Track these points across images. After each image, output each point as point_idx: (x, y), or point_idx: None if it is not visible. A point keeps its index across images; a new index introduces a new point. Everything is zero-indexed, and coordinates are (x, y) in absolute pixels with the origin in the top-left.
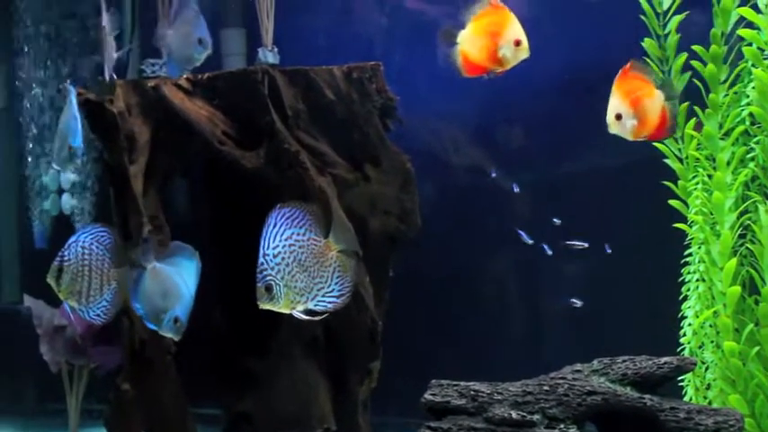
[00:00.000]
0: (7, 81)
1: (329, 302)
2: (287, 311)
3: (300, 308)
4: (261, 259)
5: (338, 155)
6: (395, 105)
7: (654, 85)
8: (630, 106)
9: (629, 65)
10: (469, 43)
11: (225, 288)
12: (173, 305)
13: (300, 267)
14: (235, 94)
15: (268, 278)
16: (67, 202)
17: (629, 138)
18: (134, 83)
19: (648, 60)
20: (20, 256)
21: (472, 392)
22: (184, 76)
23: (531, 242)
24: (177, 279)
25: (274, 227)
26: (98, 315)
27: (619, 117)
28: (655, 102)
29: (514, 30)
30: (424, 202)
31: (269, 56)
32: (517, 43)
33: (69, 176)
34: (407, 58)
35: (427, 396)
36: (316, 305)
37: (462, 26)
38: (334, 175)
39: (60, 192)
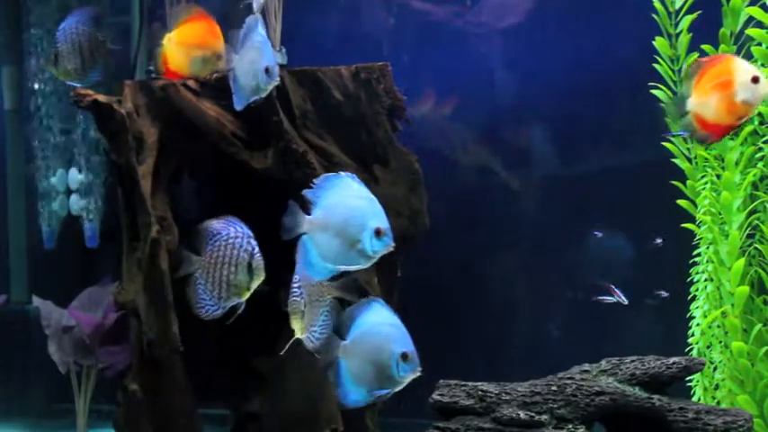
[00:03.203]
0: (17, 82)
1: (309, 341)
2: (298, 335)
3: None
4: (299, 281)
5: (346, 155)
6: (403, 105)
7: None
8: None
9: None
10: (701, 106)
11: None
12: (390, 348)
13: (314, 299)
14: None
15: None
16: (76, 202)
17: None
18: (142, 83)
19: (659, 59)
20: (28, 256)
21: (480, 393)
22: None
23: (626, 302)
24: (382, 330)
25: None
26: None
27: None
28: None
29: (745, 68)
30: (431, 202)
31: (277, 56)
32: (755, 80)
33: (78, 177)
34: (415, 58)
35: (435, 396)
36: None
37: (686, 94)
38: None
39: (69, 192)
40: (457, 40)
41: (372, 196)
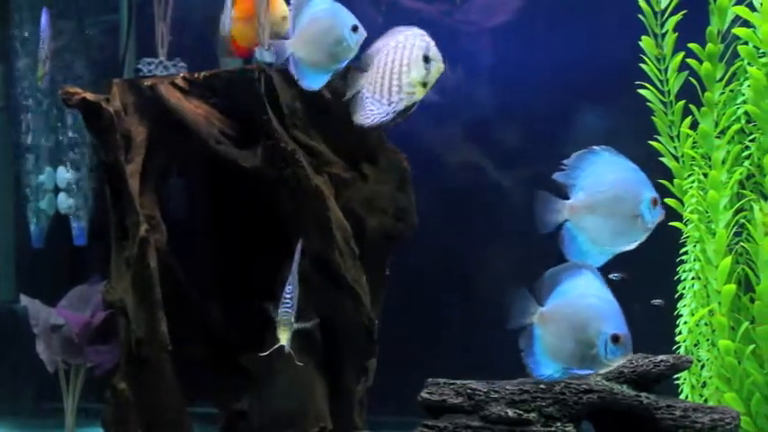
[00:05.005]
0: (5, 81)
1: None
2: (283, 341)
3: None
4: (292, 293)
5: (335, 154)
6: None
7: None
8: None
9: None
10: None
11: (221, 287)
12: (599, 327)
13: None
14: (232, 93)
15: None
16: (64, 201)
17: None
18: (130, 82)
19: (646, 59)
20: (16, 255)
21: (469, 391)
22: (181, 75)
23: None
24: (591, 303)
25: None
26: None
27: None
28: None
29: None
30: (419, 201)
31: (266, 55)
32: None
33: (65, 176)
34: None
35: (424, 394)
36: None
37: None
38: (330, 174)
39: (57, 191)
40: (446, 38)
41: (633, 164)
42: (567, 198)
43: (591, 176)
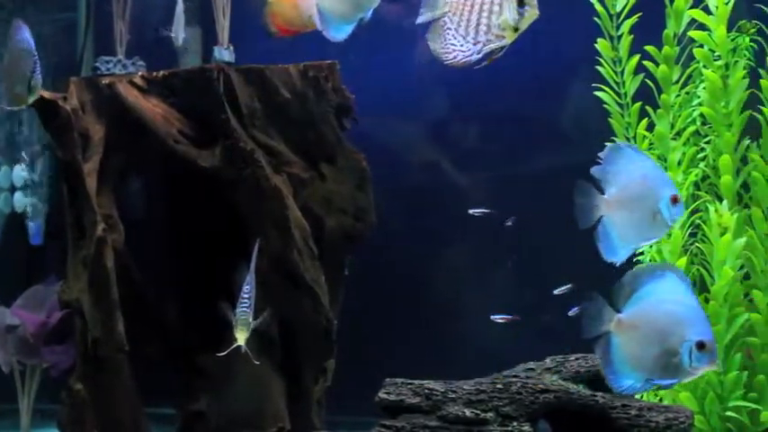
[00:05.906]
0: None
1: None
2: (240, 341)
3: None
4: (250, 293)
5: (294, 153)
6: (351, 104)
7: None
8: None
9: None
10: None
11: (179, 287)
12: (682, 333)
13: None
14: (190, 92)
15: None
16: (20, 200)
17: None
18: (88, 80)
19: (602, 61)
20: None
21: (426, 391)
22: (140, 73)
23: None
24: (673, 309)
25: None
26: None
27: None
28: None
29: None
30: (378, 201)
31: (225, 54)
32: None
33: (22, 174)
34: (366, 56)
35: (381, 394)
36: None
37: None
38: (289, 174)
39: (13, 190)
40: (408, 38)
41: (655, 162)
42: (603, 192)
43: (621, 173)
